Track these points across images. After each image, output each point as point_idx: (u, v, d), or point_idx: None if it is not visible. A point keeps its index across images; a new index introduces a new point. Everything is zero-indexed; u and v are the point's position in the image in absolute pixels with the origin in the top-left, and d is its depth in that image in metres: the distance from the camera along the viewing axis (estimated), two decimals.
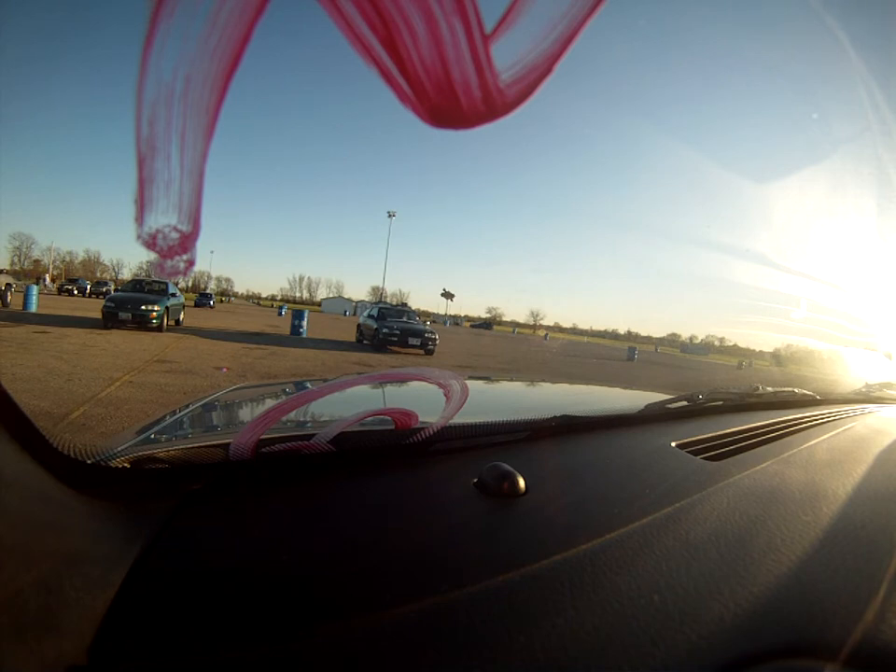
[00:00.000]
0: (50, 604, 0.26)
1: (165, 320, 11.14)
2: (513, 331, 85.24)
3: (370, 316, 13.93)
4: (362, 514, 0.47)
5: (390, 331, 12.13)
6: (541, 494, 0.52)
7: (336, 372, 7.56)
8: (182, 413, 0.90)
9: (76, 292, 35.53)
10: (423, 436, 0.60)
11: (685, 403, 0.99)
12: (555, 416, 0.75)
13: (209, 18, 0.27)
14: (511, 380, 2.13)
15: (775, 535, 0.43)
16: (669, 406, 0.96)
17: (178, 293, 13.22)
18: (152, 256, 0.31)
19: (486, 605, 0.32)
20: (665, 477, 0.59)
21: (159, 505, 0.43)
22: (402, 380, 1.19)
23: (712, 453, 0.71)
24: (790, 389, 1.32)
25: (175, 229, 0.31)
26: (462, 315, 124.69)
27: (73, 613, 0.28)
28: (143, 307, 10.34)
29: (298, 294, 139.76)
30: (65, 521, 0.32)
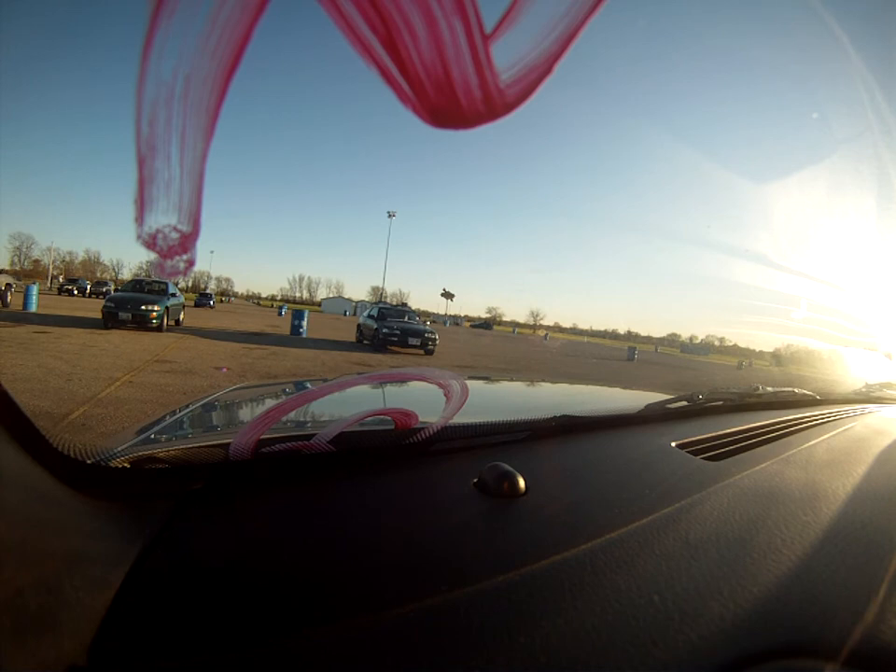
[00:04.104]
0: (50, 604, 0.26)
1: (165, 320, 11.14)
2: (513, 331, 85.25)
3: (370, 316, 13.93)
4: (362, 514, 0.47)
5: (390, 331, 12.12)
6: (541, 494, 0.52)
7: (336, 373, 7.56)
8: (182, 413, 0.90)
9: (76, 292, 35.48)
10: (423, 436, 0.60)
11: (685, 403, 0.99)
12: (555, 416, 0.75)
13: (209, 18, 0.27)
14: (511, 380, 2.13)
15: (775, 535, 0.43)
16: (669, 406, 0.96)
17: (178, 293, 13.22)
18: (152, 256, 0.31)
19: (486, 605, 0.32)
20: (665, 477, 0.59)
21: (159, 505, 0.43)
22: (402, 380, 1.19)
23: (712, 453, 0.71)
24: (790, 389, 1.32)
25: (175, 229, 0.31)
26: (462, 314, 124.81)
27: (73, 613, 0.28)
28: (143, 307, 10.34)
29: (298, 294, 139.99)
30: (65, 521, 0.32)
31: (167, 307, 11.17)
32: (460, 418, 0.62)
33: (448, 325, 70.19)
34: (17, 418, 0.31)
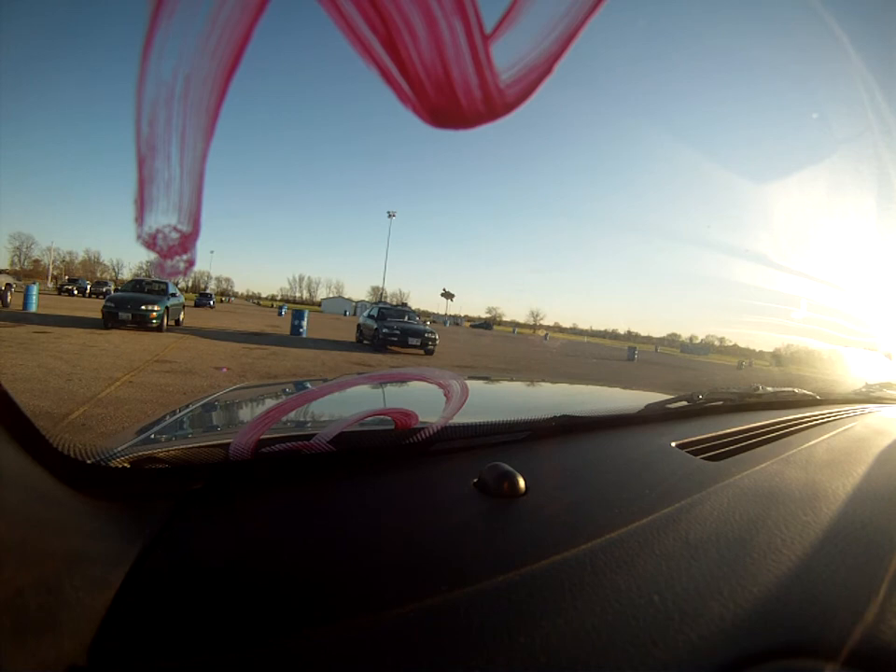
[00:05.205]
0: (50, 604, 0.26)
1: (165, 320, 11.14)
2: (513, 331, 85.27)
3: (370, 316, 13.93)
4: (362, 514, 0.47)
5: (390, 331, 12.13)
6: (541, 494, 0.52)
7: (336, 373, 7.56)
8: (182, 413, 0.90)
9: (76, 292, 35.50)
10: (423, 436, 0.60)
11: (685, 403, 0.99)
12: (555, 416, 0.75)
13: (209, 18, 0.27)
14: (511, 380, 2.13)
15: (775, 535, 0.43)
16: (669, 406, 0.96)
17: (178, 293, 13.22)
18: (152, 256, 0.31)
19: (486, 605, 0.32)
20: (665, 477, 0.59)
21: (159, 505, 0.43)
22: (402, 380, 1.19)
23: (712, 453, 0.71)
24: (790, 389, 1.32)
25: (175, 229, 0.31)
26: (462, 314, 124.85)
27: (73, 613, 0.28)
28: (143, 307, 10.34)
29: (298, 294, 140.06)
30: (65, 521, 0.32)
31: (167, 307, 11.17)
32: (460, 418, 0.62)
33: (448, 325, 70.18)
34: (17, 418, 0.31)
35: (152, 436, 0.73)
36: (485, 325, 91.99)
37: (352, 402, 0.95)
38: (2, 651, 0.23)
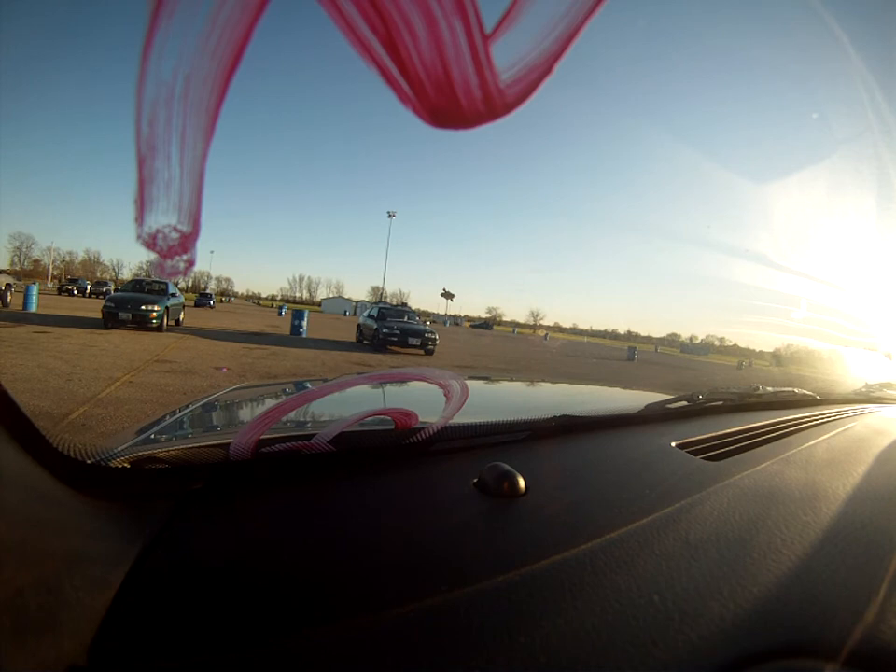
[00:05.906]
0: (50, 604, 0.26)
1: (165, 320, 11.14)
2: (513, 331, 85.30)
3: (370, 316, 13.93)
4: (362, 514, 0.47)
5: (390, 331, 12.13)
6: (541, 494, 0.52)
7: (336, 373, 7.56)
8: (182, 413, 0.90)
9: (76, 292, 35.52)
10: (423, 436, 0.60)
11: (685, 403, 0.99)
12: (555, 416, 0.75)
13: (209, 18, 0.27)
14: (511, 380, 2.13)
15: (775, 535, 0.43)
16: (669, 406, 0.96)
17: (178, 293, 13.22)
18: (152, 256, 0.31)
19: (486, 605, 0.32)
20: (665, 477, 0.59)
21: (159, 505, 0.43)
22: (402, 380, 1.19)
23: (712, 453, 0.71)
24: (790, 389, 1.32)
25: (175, 229, 0.31)
26: (462, 314, 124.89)
27: (73, 613, 0.28)
28: (143, 307, 10.34)
29: (298, 294, 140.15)
30: (65, 521, 0.32)
31: (167, 307, 11.17)
32: (460, 418, 0.62)
33: (448, 325, 70.19)
34: (17, 418, 0.31)
35: (152, 436, 0.73)
36: (485, 325, 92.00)
37: (352, 402, 0.95)
38: (2, 651, 0.23)
